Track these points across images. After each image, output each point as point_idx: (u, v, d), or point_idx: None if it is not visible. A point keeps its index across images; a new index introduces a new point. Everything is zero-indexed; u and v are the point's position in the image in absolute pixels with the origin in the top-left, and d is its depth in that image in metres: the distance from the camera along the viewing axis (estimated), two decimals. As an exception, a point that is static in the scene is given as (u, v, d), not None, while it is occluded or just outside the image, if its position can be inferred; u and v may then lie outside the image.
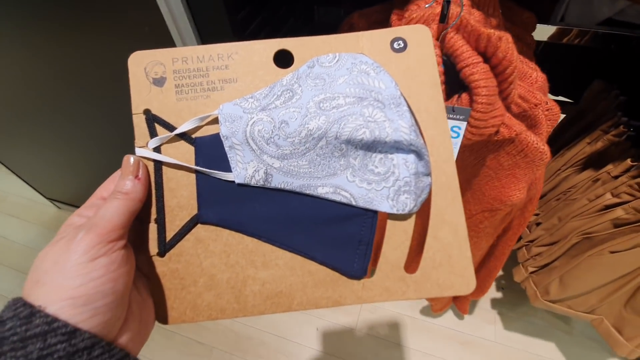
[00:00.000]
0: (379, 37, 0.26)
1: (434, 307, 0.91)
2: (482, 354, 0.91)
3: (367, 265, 0.25)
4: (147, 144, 0.25)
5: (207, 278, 0.25)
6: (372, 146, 0.24)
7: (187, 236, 0.25)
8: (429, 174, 0.25)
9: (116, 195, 0.22)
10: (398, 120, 0.24)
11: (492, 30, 0.35)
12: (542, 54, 0.79)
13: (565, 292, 0.63)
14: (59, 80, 0.66)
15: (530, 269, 0.69)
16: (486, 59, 0.37)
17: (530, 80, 0.46)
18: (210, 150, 0.25)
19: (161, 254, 0.25)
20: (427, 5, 0.37)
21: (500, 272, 1.02)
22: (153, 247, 0.25)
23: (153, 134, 0.25)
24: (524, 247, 0.71)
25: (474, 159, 0.49)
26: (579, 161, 0.65)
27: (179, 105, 0.25)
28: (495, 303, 0.99)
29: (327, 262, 0.25)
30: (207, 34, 0.50)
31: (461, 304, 0.89)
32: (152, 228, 0.25)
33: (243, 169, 0.25)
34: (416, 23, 0.40)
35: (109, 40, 0.54)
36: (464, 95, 0.38)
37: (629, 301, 0.61)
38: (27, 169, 1.07)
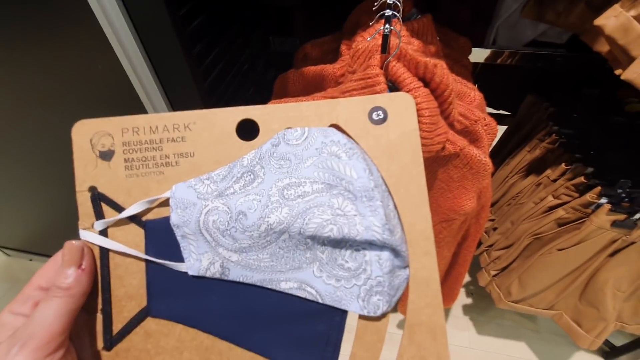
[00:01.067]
0: (357, 105, 0.23)
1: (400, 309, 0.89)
2: (459, 362, 0.92)
3: None
4: (92, 225, 0.23)
5: None
6: (341, 241, 0.22)
7: (136, 329, 0.23)
8: (406, 266, 0.23)
9: (56, 293, 0.19)
10: (370, 217, 0.21)
11: (428, 59, 0.39)
12: (480, 74, 0.87)
13: (525, 292, 0.67)
14: (4, 120, 0.63)
15: (492, 273, 0.72)
16: (426, 84, 0.40)
17: (469, 99, 0.51)
18: (162, 236, 0.23)
19: (107, 347, 0.23)
20: (369, 39, 0.40)
21: (469, 279, 1.06)
22: (99, 341, 0.23)
23: (99, 214, 0.23)
24: (484, 252, 0.75)
25: (428, 174, 0.53)
26: (523, 168, 0.71)
27: (129, 182, 0.23)
28: (466, 309, 1.02)
29: None
30: (162, 69, 0.51)
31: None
32: (99, 320, 0.23)
33: (197, 260, 0.23)
34: (362, 54, 0.43)
35: (57, 80, 0.53)
36: (410, 117, 0.41)
37: (583, 294, 0.66)
38: (-31, 217, 0.99)
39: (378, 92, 0.39)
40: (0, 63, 0.52)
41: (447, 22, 0.64)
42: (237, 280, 0.23)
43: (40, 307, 0.19)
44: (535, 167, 0.68)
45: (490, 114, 0.97)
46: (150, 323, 0.23)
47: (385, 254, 0.22)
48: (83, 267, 0.21)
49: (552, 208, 0.61)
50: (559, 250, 0.59)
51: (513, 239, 0.68)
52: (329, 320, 0.23)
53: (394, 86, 0.41)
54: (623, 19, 0.40)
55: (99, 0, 0.40)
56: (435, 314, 0.22)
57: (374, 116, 0.23)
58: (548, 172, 0.64)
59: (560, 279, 0.63)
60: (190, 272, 0.23)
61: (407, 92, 0.40)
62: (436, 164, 0.49)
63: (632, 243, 0.54)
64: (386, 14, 0.37)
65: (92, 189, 0.23)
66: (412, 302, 0.23)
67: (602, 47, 0.46)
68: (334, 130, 0.23)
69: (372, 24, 0.42)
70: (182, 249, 0.23)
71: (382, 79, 0.39)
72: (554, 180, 0.62)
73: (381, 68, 0.40)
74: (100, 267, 0.23)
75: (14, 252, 1.16)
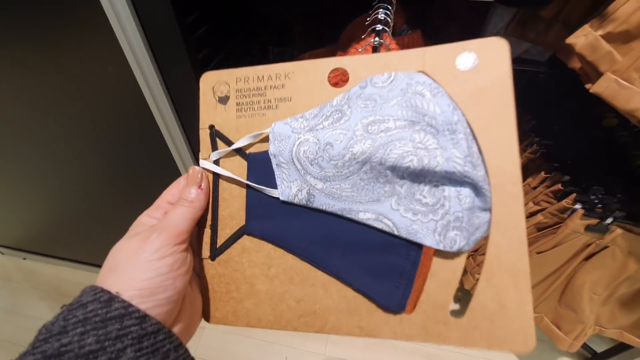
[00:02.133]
0: (446, 52, 0.23)
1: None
2: (446, 366, 0.94)
3: (406, 300, 0.23)
4: (209, 156, 0.27)
5: (248, 286, 0.26)
6: (420, 174, 0.22)
7: (235, 245, 0.27)
8: (488, 209, 0.22)
9: (182, 203, 0.25)
10: (451, 149, 0.21)
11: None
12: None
13: (508, 294, 0.70)
14: (6, 119, 0.66)
15: (477, 277, 0.75)
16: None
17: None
18: (261, 167, 0.26)
19: (212, 257, 0.27)
20: (360, 50, 0.44)
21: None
22: (206, 251, 0.27)
23: (214, 147, 0.27)
24: (470, 257, 0.78)
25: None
26: (507, 176, 0.75)
27: (238, 122, 0.27)
28: (453, 314, 1.05)
29: (364, 291, 0.24)
30: (169, 73, 0.54)
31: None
32: (207, 233, 0.27)
33: (287, 187, 0.25)
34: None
35: (65, 81, 0.56)
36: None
37: (562, 297, 0.69)
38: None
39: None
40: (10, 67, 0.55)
41: (437, 38, 0.68)
42: (321, 207, 0.25)
43: (172, 211, 0.24)
44: (518, 176, 0.72)
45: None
46: (245, 240, 0.27)
47: (466, 191, 0.22)
48: (202, 187, 0.26)
49: (532, 214, 0.64)
50: (538, 253, 0.62)
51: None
52: (404, 253, 0.23)
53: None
54: (591, 38, 0.44)
55: (115, 11, 0.44)
56: (520, 260, 0.22)
57: (464, 62, 0.22)
58: (529, 180, 0.67)
59: (539, 282, 0.66)
60: (281, 198, 0.26)
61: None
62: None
63: (606, 247, 0.57)
64: (377, 28, 0.41)
65: (211, 127, 0.27)
66: (494, 244, 0.22)
67: (575, 64, 0.50)
68: (420, 73, 0.23)
69: (364, 37, 0.46)
70: (276, 176, 0.26)
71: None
72: (534, 188, 0.65)
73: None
74: (212, 190, 0.27)
75: (8, 251, 1.17)
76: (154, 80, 0.52)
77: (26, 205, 0.91)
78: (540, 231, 0.62)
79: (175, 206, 0.25)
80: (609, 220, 0.53)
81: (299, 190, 0.25)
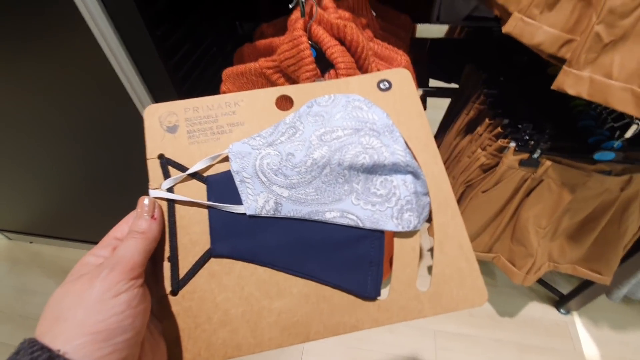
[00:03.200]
0: (367, 80, 0.30)
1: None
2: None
3: (379, 285, 0.26)
4: (160, 185, 0.26)
5: (221, 313, 0.25)
6: (372, 170, 0.26)
7: (200, 271, 0.25)
8: (427, 193, 0.27)
9: (133, 235, 0.23)
10: (393, 145, 0.27)
11: (340, 21, 0.48)
12: (430, 49, 0.96)
13: (465, 236, 0.76)
14: (9, 109, 0.72)
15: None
16: (342, 43, 0.49)
17: (397, 63, 0.60)
18: (221, 187, 0.27)
19: (174, 292, 0.25)
20: (290, 6, 0.49)
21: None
22: (167, 286, 0.25)
23: (166, 175, 0.27)
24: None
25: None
26: (462, 129, 0.80)
27: (191, 148, 0.27)
28: (422, 263, 1.11)
29: (341, 285, 0.26)
30: (134, 50, 0.59)
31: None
32: (166, 267, 0.25)
33: (254, 201, 0.26)
34: (295, 23, 0.52)
35: (53, 68, 0.62)
36: (332, 71, 0.50)
37: (513, 235, 0.74)
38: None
39: (302, 50, 0.48)
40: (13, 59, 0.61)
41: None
42: (289, 215, 0.26)
43: (122, 244, 0.22)
44: (471, 127, 0.77)
45: (442, 88, 1.07)
46: (213, 264, 0.26)
47: (409, 177, 0.27)
48: (155, 216, 0.25)
49: (478, 158, 0.70)
50: (483, 192, 0.68)
51: (454, 192, 0.77)
52: (369, 242, 0.26)
53: (316, 45, 0.49)
54: (501, -17, 0.48)
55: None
56: (457, 228, 0.27)
57: (381, 86, 0.30)
58: (478, 129, 0.73)
59: (489, 221, 0.72)
60: (248, 212, 0.26)
61: (326, 49, 0.49)
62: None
63: (541, 181, 0.63)
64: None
65: (161, 156, 0.27)
66: (437, 220, 0.27)
67: (496, 11, 0.55)
68: (354, 94, 0.29)
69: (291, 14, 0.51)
70: (240, 192, 0.27)
71: (304, 39, 0.48)
72: (481, 135, 0.70)
73: (304, 31, 0.49)
74: (167, 219, 0.26)
75: (15, 235, 1.25)
76: (125, 62, 0.58)
77: (30, 192, 0.98)
78: (485, 172, 0.68)
79: (125, 239, 0.23)
80: (537, 154, 0.59)
81: (265, 201, 0.26)
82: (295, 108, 0.29)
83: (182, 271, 0.25)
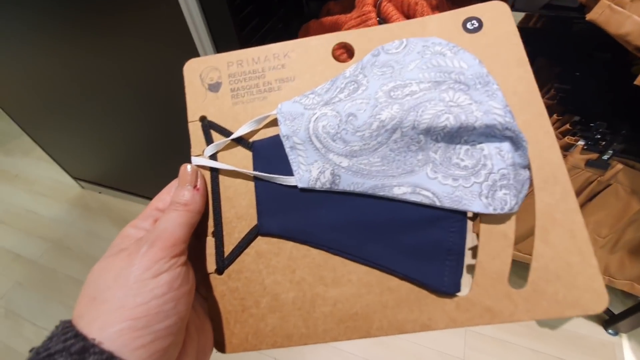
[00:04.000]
0: (449, 19, 0.23)
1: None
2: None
3: (459, 278, 0.21)
4: (203, 151, 0.24)
5: (270, 298, 0.22)
6: (457, 135, 0.20)
7: (247, 250, 0.23)
8: (527, 166, 0.21)
9: (175, 207, 0.21)
10: (488, 102, 0.20)
11: (411, -1, 0.47)
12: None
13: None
14: (94, 75, 0.82)
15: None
16: (411, 21, 0.49)
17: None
18: (270, 154, 0.23)
19: (219, 271, 0.23)
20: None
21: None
22: (211, 264, 0.23)
23: (209, 141, 0.24)
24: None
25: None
26: (524, 124, 0.76)
27: (235, 109, 0.24)
28: (513, 286, 1.08)
29: (410, 276, 0.21)
30: (211, 15, 0.64)
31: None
32: (210, 243, 0.23)
33: (306, 171, 0.22)
34: (364, -1, 0.53)
35: (128, 41, 0.68)
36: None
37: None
38: (57, 150, 1.23)
39: (370, 26, 0.48)
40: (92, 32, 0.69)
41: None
42: (348, 189, 0.22)
43: (163, 217, 0.20)
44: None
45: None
46: (260, 243, 0.23)
47: (506, 145, 0.20)
48: (197, 187, 0.22)
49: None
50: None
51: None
52: (447, 226, 0.21)
53: (384, 21, 0.50)
54: (592, -33, 0.45)
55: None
56: (570, 211, 0.20)
57: (469, 26, 0.23)
58: (543, 125, 0.69)
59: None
60: (299, 185, 0.22)
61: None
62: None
63: (608, 185, 0.59)
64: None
65: (203, 119, 0.24)
66: (541, 200, 0.21)
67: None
68: (433, 37, 0.23)
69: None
70: (290, 161, 0.23)
71: (373, 15, 0.48)
72: (546, 131, 0.67)
73: (374, 7, 0.50)
74: (211, 190, 0.23)
75: (87, 184, 1.41)
76: (200, 23, 0.63)
77: (104, 146, 1.10)
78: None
79: (166, 212, 0.21)
80: (608, 155, 0.55)
81: (320, 172, 0.22)
82: (357, 58, 0.24)
83: (228, 248, 0.23)
